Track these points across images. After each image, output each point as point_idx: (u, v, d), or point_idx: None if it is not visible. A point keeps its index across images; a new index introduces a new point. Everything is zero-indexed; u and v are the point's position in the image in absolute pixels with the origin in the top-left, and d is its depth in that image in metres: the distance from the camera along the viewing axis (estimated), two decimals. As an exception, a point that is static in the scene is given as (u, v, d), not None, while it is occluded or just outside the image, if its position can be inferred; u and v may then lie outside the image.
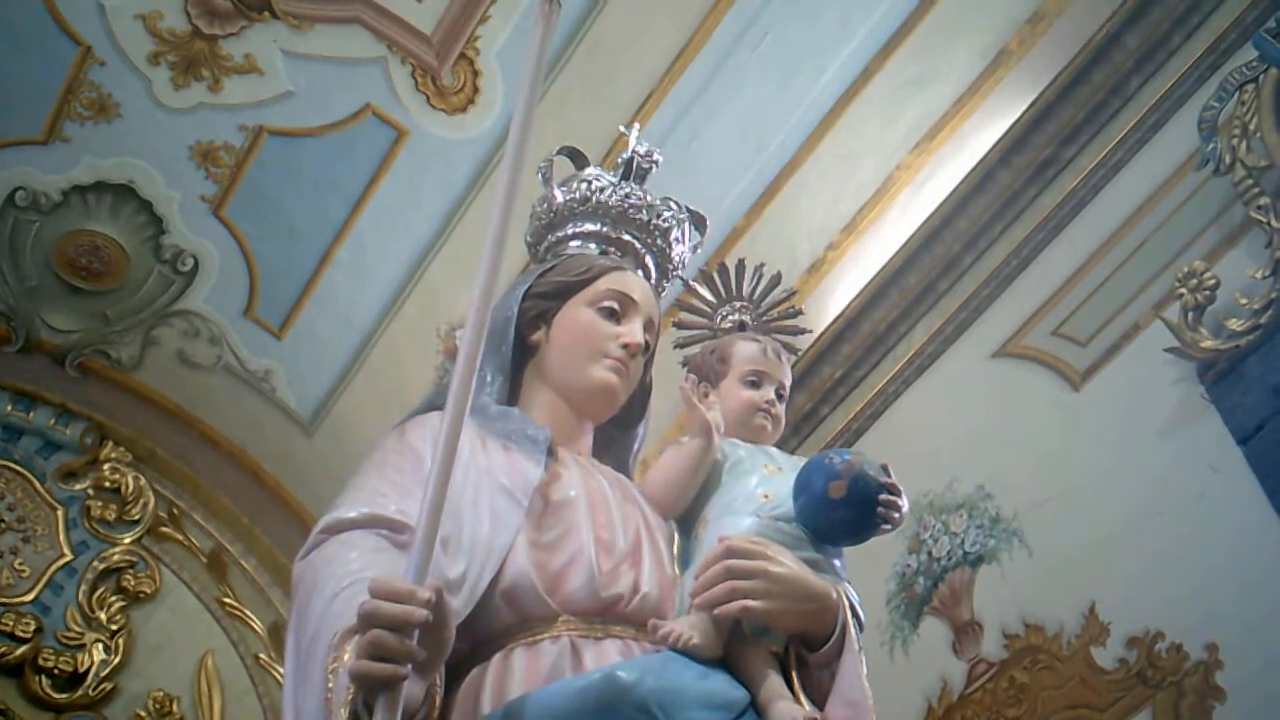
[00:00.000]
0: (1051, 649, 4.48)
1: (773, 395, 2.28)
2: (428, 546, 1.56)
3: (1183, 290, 4.36)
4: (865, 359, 5.52)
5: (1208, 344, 4.29)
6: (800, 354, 5.52)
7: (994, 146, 5.08)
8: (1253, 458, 4.13)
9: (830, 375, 5.60)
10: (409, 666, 1.50)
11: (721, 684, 1.82)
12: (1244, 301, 4.23)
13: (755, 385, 2.28)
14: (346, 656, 1.55)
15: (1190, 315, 4.34)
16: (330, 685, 1.59)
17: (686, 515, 2.14)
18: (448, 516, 1.86)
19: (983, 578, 4.83)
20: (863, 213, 5.61)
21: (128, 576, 7.35)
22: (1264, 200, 4.20)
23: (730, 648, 1.90)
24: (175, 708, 7.07)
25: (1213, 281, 4.31)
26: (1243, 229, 4.33)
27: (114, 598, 7.26)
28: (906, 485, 5.25)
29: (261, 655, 7.15)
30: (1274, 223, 4.15)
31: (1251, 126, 4.25)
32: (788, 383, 2.33)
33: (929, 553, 5.06)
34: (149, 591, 7.40)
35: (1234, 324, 4.23)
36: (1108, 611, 4.35)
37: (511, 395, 2.26)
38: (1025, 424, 4.86)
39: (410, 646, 1.50)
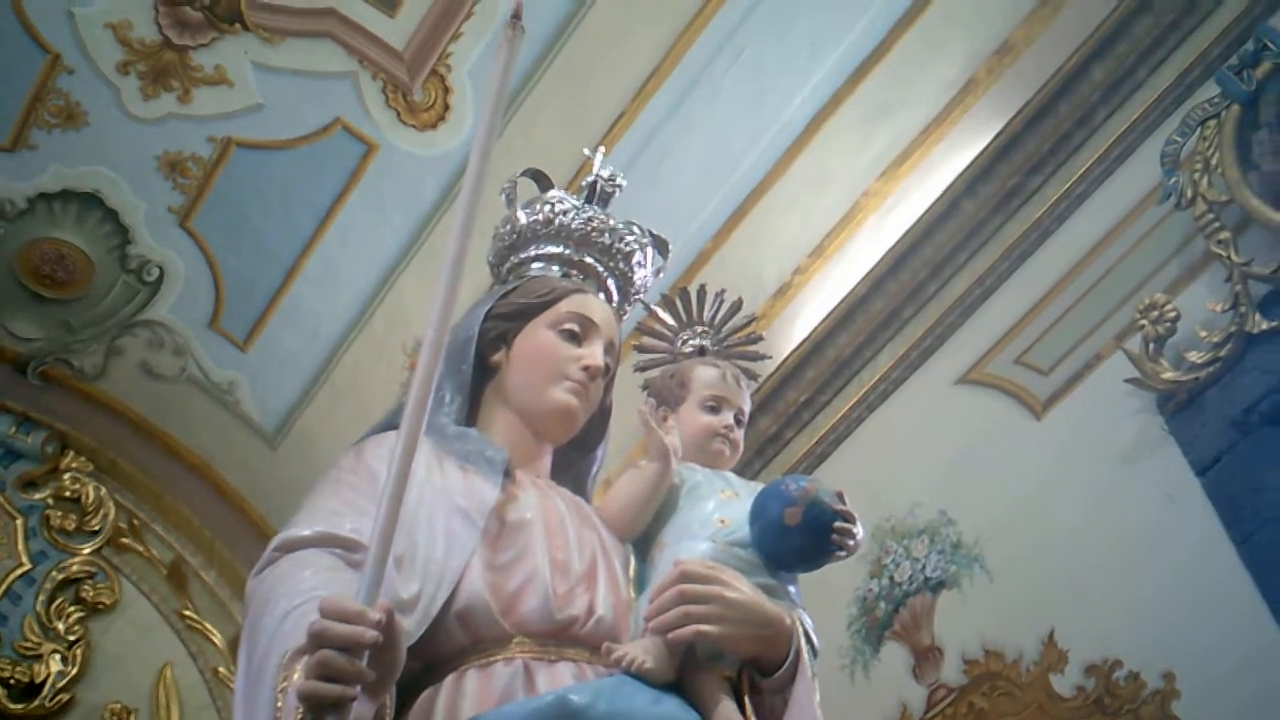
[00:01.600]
0: (1011, 675, 4.50)
1: (731, 420, 2.29)
2: (379, 566, 1.56)
3: (1144, 322, 4.40)
4: (830, 384, 5.55)
5: (1168, 375, 4.33)
6: (764, 378, 5.58)
7: (960, 175, 5.12)
8: (1210, 489, 4.17)
9: (794, 399, 5.62)
10: (358, 687, 1.49)
11: (674, 708, 1.82)
12: (1204, 334, 4.27)
13: (714, 410, 2.29)
14: (296, 676, 1.54)
15: (1151, 347, 4.38)
16: (279, 705, 1.58)
17: (643, 539, 2.15)
18: (402, 536, 1.87)
19: (944, 603, 4.85)
20: (830, 237, 5.64)
21: (87, 587, 7.28)
22: (1224, 234, 4.25)
23: (684, 672, 1.90)
24: (132, 720, 7.01)
25: (1173, 314, 4.35)
26: (1203, 262, 4.38)
27: (73, 608, 7.20)
28: (869, 510, 5.29)
29: (221, 669, 7.09)
30: (1234, 257, 4.20)
31: (1213, 161, 4.30)
32: (747, 408, 2.34)
33: (890, 577, 5.08)
34: (108, 603, 7.33)
35: (1194, 356, 4.28)
36: (1066, 639, 4.38)
37: (470, 416, 2.26)
38: (987, 451, 4.89)
39: (359, 667, 1.49)
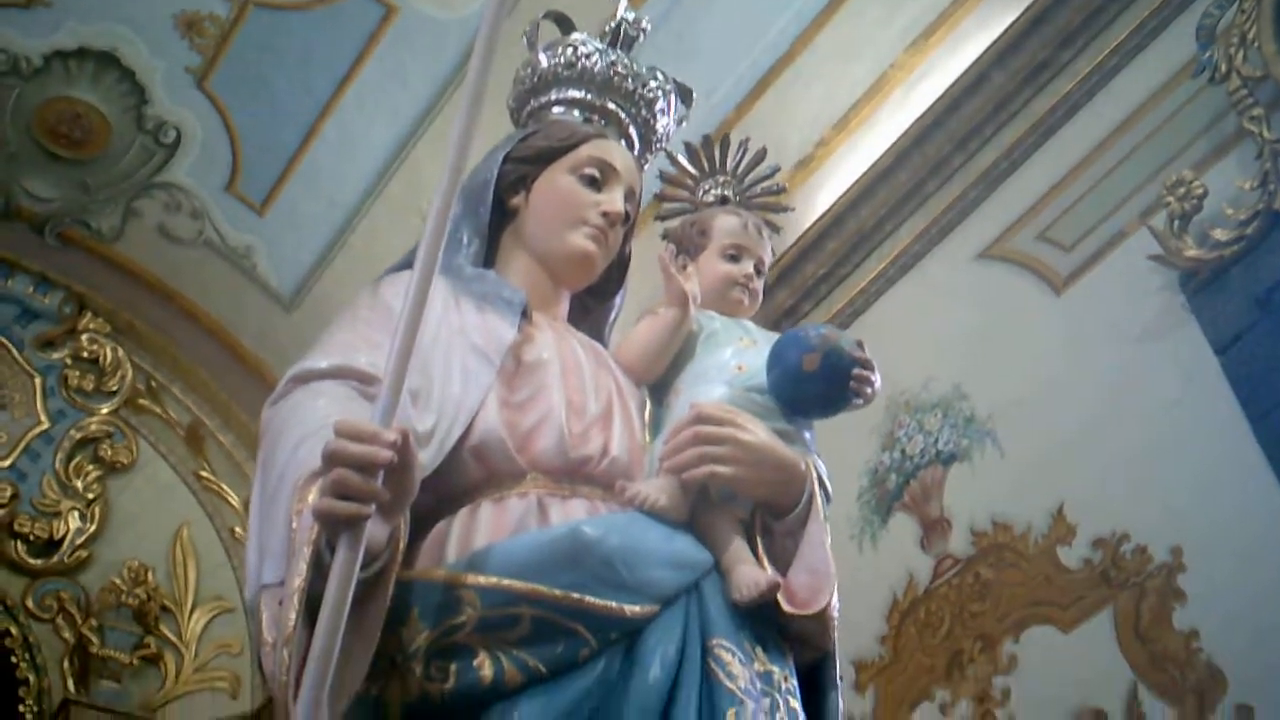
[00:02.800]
0: (1018, 547, 4.54)
1: (751, 270, 2.27)
2: (395, 390, 1.56)
3: (1170, 199, 4.35)
4: (849, 257, 5.51)
5: (1191, 253, 4.29)
6: (784, 251, 5.54)
7: (989, 48, 5.03)
8: (1229, 367, 4.15)
9: (813, 272, 5.59)
10: (372, 506, 1.50)
11: (686, 545, 1.83)
12: (1230, 212, 4.22)
13: (734, 259, 2.27)
14: (311, 498, 1.55)
15: (1176, 224, 4.33)
16: (294, 526, 1.60)
17: (659, 385, 2.14)
18: (418, 372, 1.86)
19: (954, 476, 4.87)
20: (855, 110, 5.56)
21: (105, 446, 7.37)
22: (1257, 111, 4.18)
23: (696, 513, 1.91)
24: (150, 578, 7.13)
25: (1201, 191, 4.30)
26: (1234, 139, 4.31)
27: (91, 467, 7.29)
28: (884, 384, 5.28)
29: (237, 529, 7.20)
30: (1266, 134, 4.13)
31: (1250, 36, 4.21)
32: (767, 258, 2.31)
33: (902, 450, 5.10)
34: (126, 462, 7.43)
35: (1219, 234, 4.23)
36: (1076, 512, 4.40)
37: (488, 259, 2.24)
38: (1005, 326, 4.87)
39: (374, 486, 1.50)
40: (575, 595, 1.67)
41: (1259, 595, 3.83)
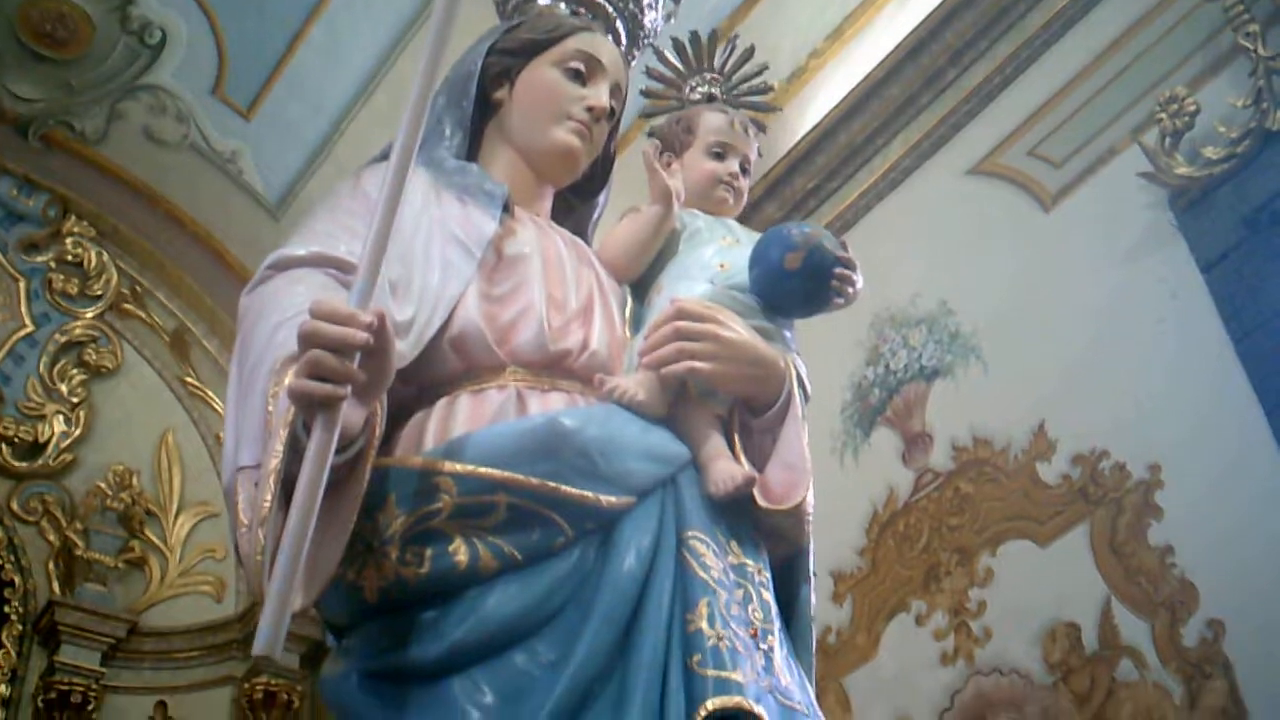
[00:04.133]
0: (998, 462, 4.57)
1: (736, 168, 2.25)
2: (372, 273, 1.54)
3: (1162, 115, 4.32)
4: (839, 171, 5.48)
5: (1182, 170, 4.27)
6: (773, 163, 5.51)
7: (986, -42, 4.97)
8: (1214, 286, 4.16)
9: (802, 186, 5.57)
10: (348, 388, 1.49)
11: (663, 439, 1.83)
12: (1222, 130, 4.20)
13: (720, 157, 2.24)
14: (287, 380, 1.54)
15: (1168, 141, 4.31)
16: (270, 409, 1.59)
17: (641, 282, 2.13)
18: (398, 262, 1.85)
19: (937, 391, 4.89)
20: (849, 20, 5.50)
21: (89, 351, 7.35)
22: (1253, 27, 4.14)
23: (675, 408, 1.91)
24: (135, 481, 7.15)
25: (1193, 108, 4.27)
26: (1228, 56, 4.28)
27: (75, 371, 7.28)
28: (870, 299, 5.31)
29: (222, 435, 7.20)
30: (1261, 50, 4.10)
31: (1248, -51, 4.16)
32: (753, 157, 2.29)
33: (886, 365, 5.11)
34: (110, 367, 7.42)
35: (1210, 152, 4.22)
36: (1056, 429, 4.43)
37: (471, 152, 2.21)
38: (993, 242, 4.86)
39: (349, 368, 1.49)
40: (552, 484, 1.67)
41: (1234, 513, 3.86)
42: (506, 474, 1.66)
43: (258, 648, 1.39)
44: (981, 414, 4.70)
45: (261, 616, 1.40)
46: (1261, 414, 3.91)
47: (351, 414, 1.55)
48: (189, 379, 7.54)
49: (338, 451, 1.53)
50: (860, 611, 4.90)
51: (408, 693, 1.60)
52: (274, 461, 1.51)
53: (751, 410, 1.93)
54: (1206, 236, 4.22)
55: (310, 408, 1.49)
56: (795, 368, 1.97)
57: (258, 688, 6.79)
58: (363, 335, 1.49)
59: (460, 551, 1.64)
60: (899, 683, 4.63)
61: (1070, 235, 4.61)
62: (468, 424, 1.77)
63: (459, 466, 1.67)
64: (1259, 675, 3.69)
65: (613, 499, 1.71)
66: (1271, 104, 4.08)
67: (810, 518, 1.89)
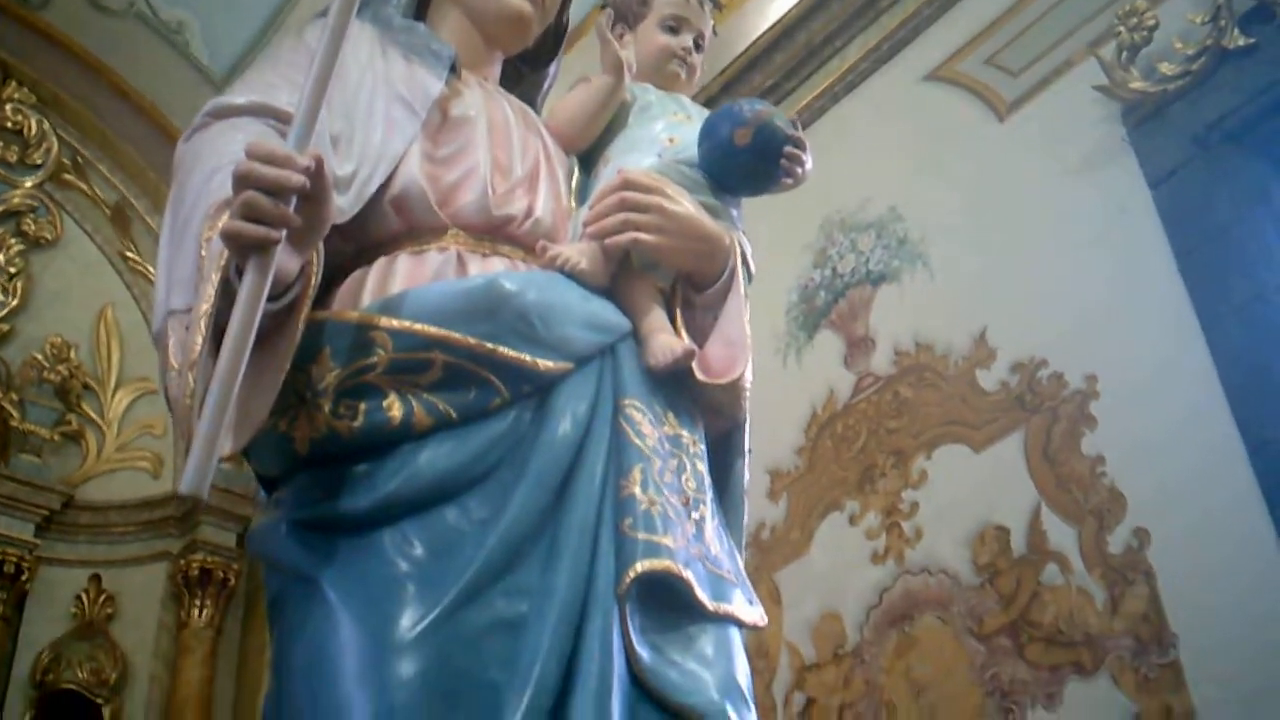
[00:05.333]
0: (938, 368, 4.60)
1: (690, 43, 2.22)
2: (310, 117, 1.51)
3: (1121, 29, 4.32)
4: (797, 71, 5.44)
5: (1136, 85, 4.28)
6: (731, 60, 5.45)
7: None
8: (1161, 202, 4.19)
9: (760, 84, 5.52)
10: (282, 232, 1.46)
11: (604, 308, 1.83)
12: (1179, 46, 4.20)
13: (674, 31, 2.21)
14: (222, 223, 1.51)
15: (1124, 55, 4.31)
16: (203, 253, 1.56)
17: (588, 154, 2.11)
18: (341, 117, 1.82)
19: (882, 296, 4.91)
20: (812, -84, 5.41)
21: (28, 221, 7.22)
22: (1216, -59, 4.12)
23: (617, 281, 1.90)
24: (72, 355, 7.08)
25: (1152, 22, 4.27)
26: (1190, -30, 4.26)
27: (13, 241, 7.15)
28: (820, 202, 5.29)
29: (163, 313, 7.12)
30: (1223, -35, 4.08)
31: None
32: (708, 33, 2.25)
33: (833, 268, 5.12)
34: (50, 238, 7.29)
35: (1166, 68, 4.22)
36: (997, 337, 4.46)
37: (420, 12, 2.16)
38: (946, 150, 4.86)
39: (285, 211, 1.46)
40: (489, 345, 1.66)
41: (1165, 426, 3.93)
42: (444, 332, 1.65)
43: (184, 486, 1.37)
44: (925, 320, 4.73)
45: (189, 456, 1.38)
46: (1199, 330, 3.96)
47: (286, 261, 1.52)
48: (130, 254, 7.43)
49: (271, 299, 1.50)
50: (795, 509, 4.95)
51: (337, 543, 1.59)
52: (205, 305, 1.49)
53: (694, 286, 1.93)
54: (1157, 153, 4.24)
55: (244, 250, 1.46)
56: (740, 245, 1.96)
57: (194, 564, 6.80)
58: (299, 178, 1.46)
59: (394, 407, 1.63)
60: (829, 579, 4.71)
61: (1023, 146, 4.61)
62: (406, 283, 1.75)
63: (396, 322, 1.65)
64: (1180, 583, 3.77)
65: (550, 364, 1.70)
66: (1229, 21, 4.08)
67: (748, 393, 1.90)
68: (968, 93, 4.86)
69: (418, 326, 1.65)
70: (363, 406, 1.63)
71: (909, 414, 4.67)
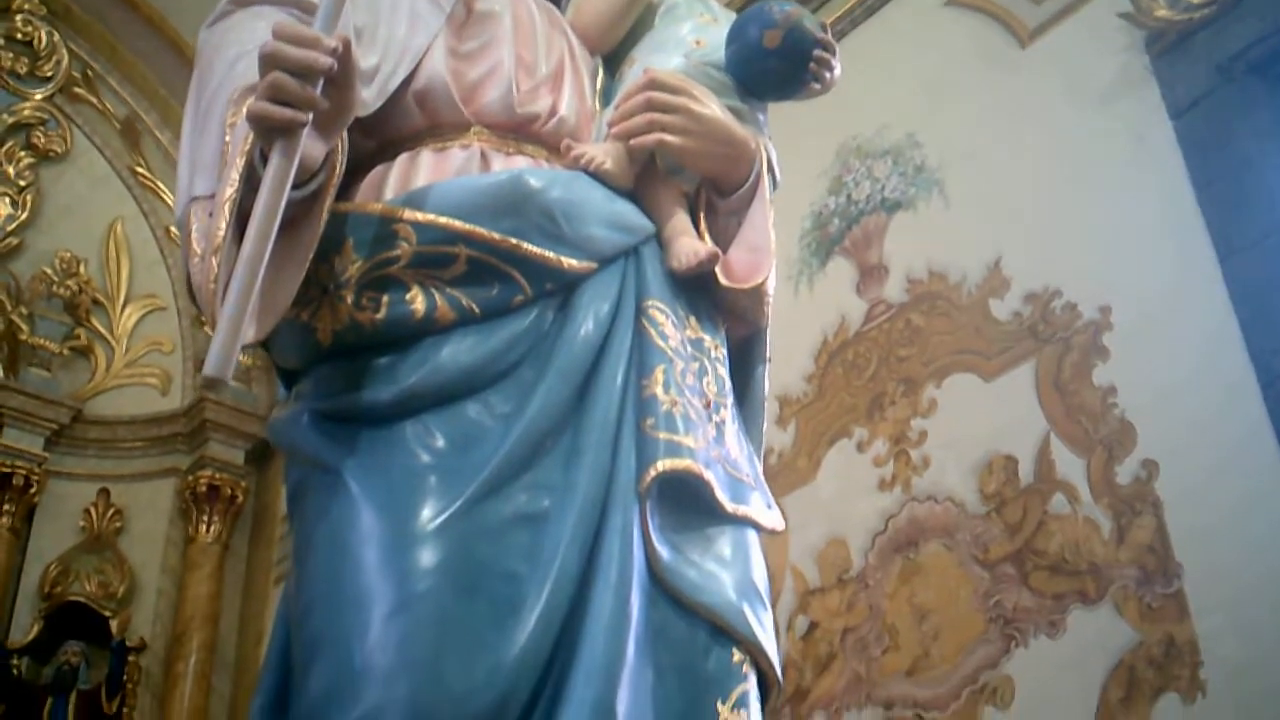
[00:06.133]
0: (951, 297, 4.59)
1: (718, -53, 2.18)
2: (336, 6, 1.49)
3: (1147, -46, 4.25)
4: (816, -7, 5.37)
5: (1162, 13, 4.22)
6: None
7: None
8: (1182, 133, 4.14)
9: (778, 8, 5.44)
10: (309, 114, 1.45)
11: (627, 209, 1.81)
12: (1206, -27, 4.13)
13: (701, -66, 2.17)
14: (247, 106, 1.49)
15: (1151, -19, 4.24)
16: (227, 138, 1.55)
17: (613, 56, 2.08)
18: (365, 9, 1.80)
19: (897, 224, 4.88)
20: None
21: (38, 133, 7.19)
22: None
23: (641, 183, 1.88)
24: (82, 270, 7.07)
25: (1180, -52, 4.20)
26: (1221, -106, 4.18)
27: (23, 154, 7.12)
28: (838, 128, 5.24)
29: (172, 229, 7.10)
30: (1253, -109, 4.01)
31: None
32: (736, -64, 2.22)
33: (848, 195, 5.09)
34: (59, 151, 7.26)
35: (1193, -5, 4.16)
36: (1012, 266, 4.44)
37: (443, -91, 2.13)
38: (966, 77, 4.81)
39: (311, 94, 1.45)
40: (513, 240, 1.65)
41: (1179, 356, 3.92)
42: (468, 226, 1.64)
43: (207, 369, 1.37)
44: (939, 248, 4.70)
45: (212, 340, 1.38)
46: (1216, 262, 3.94)
47: (311, 146, 1.51)
48: (139, 169, 7.39)
49: (296, 186, 1.49)
50: (804, 436, 4.96)
51: (358, 433, 1.60)
52: (230, 190, 1.48)
53: (719, 191, 1.91)
54: (1179, 83, 4.19)
55: (269, 133, 1.45)
56: (766, 151, 1.94)
57: (201, 481, 6.84)
58: (326, 59, 1.44)
59: (417, 300, 1.62)
60: (836, 506, 4.72)
61: (1044, 73, 4.56)
62: (430, 178, 1.74)
63: (420, 215, 1.64)
64: (1187, 515, 3.78)
65: (574, 262, 1.70)
66: (1259, -51, 4.02)
67: (770, 299, 1.89)
68: (989, 18, 4.80)
69: (442, 220, 1.64)
70: (385, 299, 1.62)
71: (920, 342, 4.66)
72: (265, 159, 1.46)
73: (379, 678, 1.41)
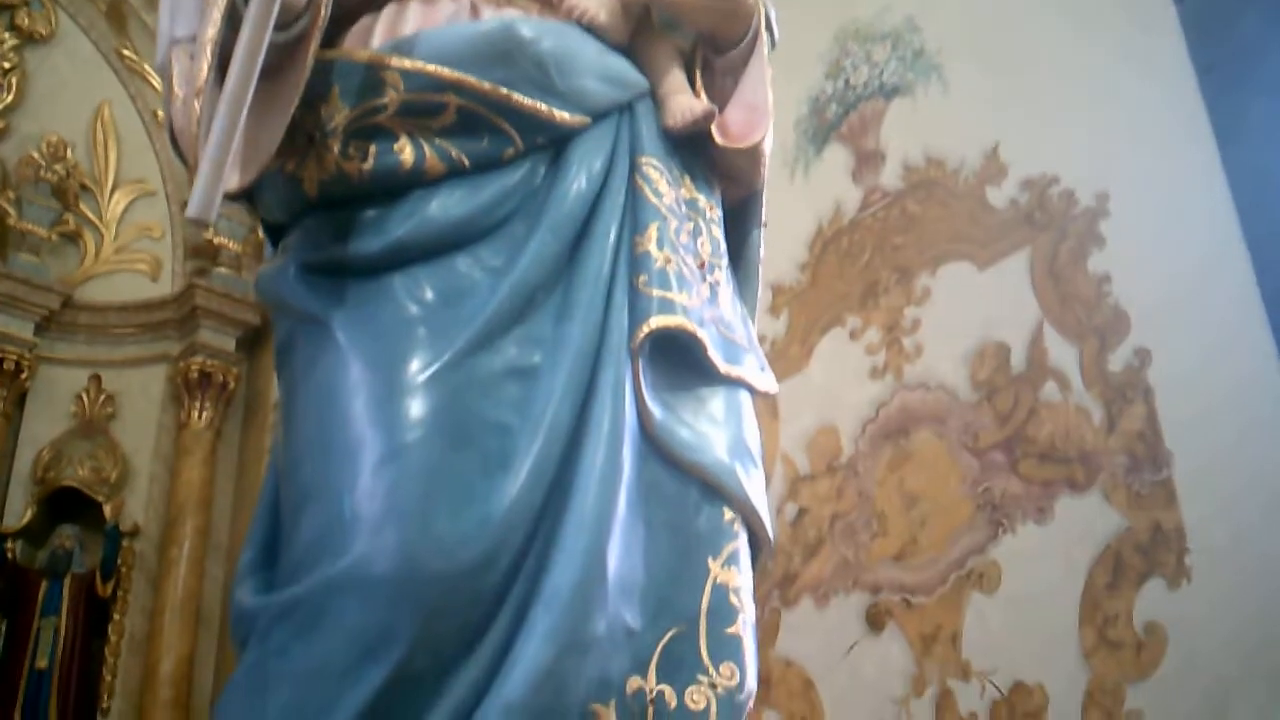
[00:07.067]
0: (948, 184, 4.54)
1: None
2: None
3: None
4: (820, -127, 5.24)
5: (1171, -108, 4.11)
6: None
7: None
8: (1186, 17, 4.09)
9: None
10: None
11: (621, 64, 1.77)
12: None
13: None
14: None
15: None
16: (211, -21, 1.50)
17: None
18: None
19: (894, 110, 4.82)
20: None
21: (21, 15, 7.06)
22: None
23: (636, 40, 1.84)
24: (69, 154, 6.98)
25: None
26: None
27: (7, 35, 7.00)
28: (836, 11, 5.12)
29: (159, 112, 7.00)
30: None
31: None
32: None
33: (846, 80, 5.01)
34: (44, 33, 7.13)
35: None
36: (1010, 153, 4.39)
37: None
38: (967, -43, 4.71)
39: None
40: (504, 90, 1.62)
41: (1174, 244, 3.89)
42: (457, 75, 1.60)
43: (191, 210, 1.34)
44: (937, 135, 4.65)
45: (195, 181, 1.35)
46: (1215, 148, 3.89)
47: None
48: (126, 52, 7.26)
49: (279, 28, 1.45)
50: (796, 324, 4.95)
51: (346, 286, 1.58)
52: (211, 30, 1.43)
53: (715, 48, 1.87)
54: (1185, -35, 4.11)
55: (251, -25, 1.40)
56: (764, 9, 1.90)
57: (193, 367, 6.83)
58: (310, -110, 1.40)
59: (406, 150, 1.59)
60: (827, 393, 4.72)
61: (1047, -45, 4.48)
62: (418, 27, 1.69)
63: (408, 63, 1.60)
64: (1178, 402, 3.78)
65: (566, 115, 1.66)
66: None
67: (766, 161, 1.85)
68: (996, -101, 4.70)
69: (430, 68, 1.60)
70: (373, 149, 1.59)
71: (915, 230, 4.62)
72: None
73: (368, 526, 1.41)
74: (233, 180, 1.42)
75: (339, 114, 1.59)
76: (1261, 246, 3.75)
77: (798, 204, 4.98)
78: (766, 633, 4.58)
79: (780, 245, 4.92)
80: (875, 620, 4.34)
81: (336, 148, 1.59)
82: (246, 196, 1.68)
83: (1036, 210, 4.28)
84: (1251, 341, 3.65)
